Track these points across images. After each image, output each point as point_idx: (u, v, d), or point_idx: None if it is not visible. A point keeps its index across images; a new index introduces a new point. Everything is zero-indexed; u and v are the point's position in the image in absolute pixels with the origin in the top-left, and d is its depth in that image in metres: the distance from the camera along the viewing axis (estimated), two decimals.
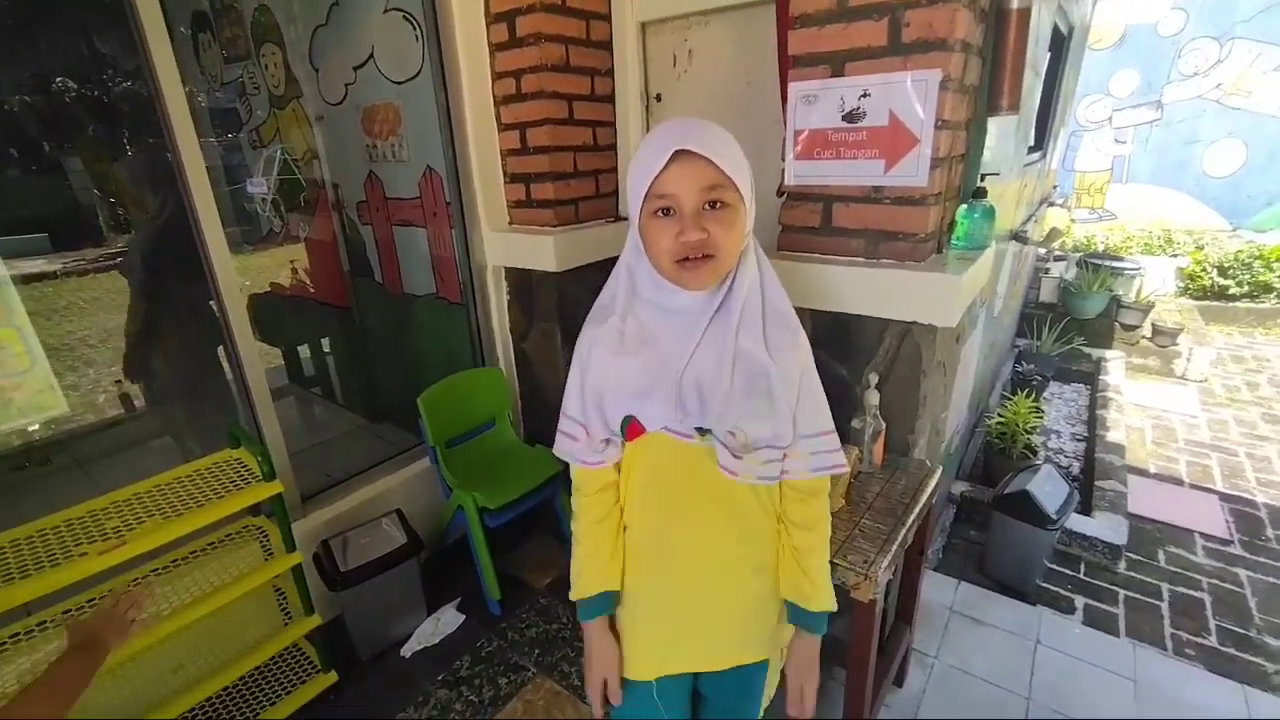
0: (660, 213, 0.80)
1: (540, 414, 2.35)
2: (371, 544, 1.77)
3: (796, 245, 1.57)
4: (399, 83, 2.19)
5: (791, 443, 0.88)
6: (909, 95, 1.30)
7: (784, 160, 1.53)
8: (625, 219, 1.76)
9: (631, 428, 0.88)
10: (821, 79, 1.41)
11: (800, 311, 1.56)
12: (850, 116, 1.39)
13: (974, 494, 2.51)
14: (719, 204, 0.79)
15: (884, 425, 1.41)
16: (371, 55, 2.25)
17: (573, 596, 0.98)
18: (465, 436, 2.11)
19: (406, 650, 1.87)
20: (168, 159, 1.46)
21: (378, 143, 2.38)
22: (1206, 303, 4.91)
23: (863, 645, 1.21)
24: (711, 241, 0.79)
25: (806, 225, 1.54)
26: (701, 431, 0.85)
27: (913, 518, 1.28)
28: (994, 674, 1.75)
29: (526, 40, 1.88)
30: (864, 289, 1.44)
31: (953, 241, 1.55)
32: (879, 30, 1.31)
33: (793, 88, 1.45)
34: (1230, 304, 4.88)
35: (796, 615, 0.96)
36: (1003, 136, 1.96)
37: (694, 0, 1.90)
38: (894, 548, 1.19)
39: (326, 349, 3.26)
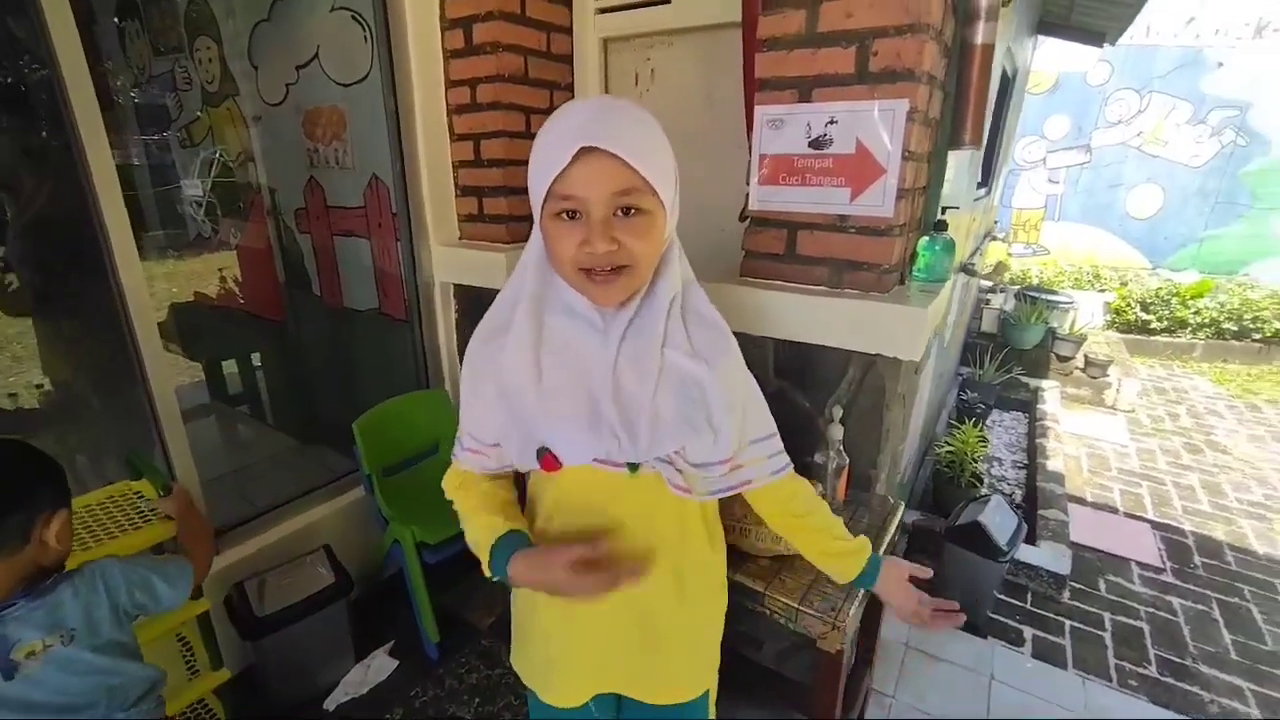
0: (564, 215, 0.69)
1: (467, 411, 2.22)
2: (293, 585, 1.60)
3: (759, 272, 1.53)
4: (345, 85, 2.06)
5: (740, 449, 0.82)
6: (876, 124, 1.29)
7: (748, 184, 1.49)
8: None
9: (548, 459, 0.76)
10: (789, 104, 1.38)
11: (762, 341, 1.53)
12: (817, 143, 1.36)
13: (925, 523, 2.52)
14: (633, 210, 0.69)
15: (848, 460, 1.36)
16: (316, 55, 2.12)
17: (486, 563, 0.83)
18: (405, 464, 1.96)
19: (330, 702, 1.69)
20: (44, 140, 1.31)
21: (320, 147, 2.24)
22: (1131, 336, 5.21)
23: (828, 696, 1.14)
24: (624, 253, 0.69)
25: (770, 252, 1.50)
26: (632, 466, 0.77)
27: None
28: (951, 712, 1.72)
29: (483, 48, 1.80)
30: (828, 319, 1.40)
31: (914, 273, 1.54)
32: (847, 57, 1.29)
33: (759, 111, 1.42)
34: (1151, 338, 5.19)
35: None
36: (958, 170, 1.99)
37: (658, 19, 1.86)
38: (861, 593, 1.13)
39: (257, 364, 3.04)
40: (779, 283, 1.49)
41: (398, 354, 2.27)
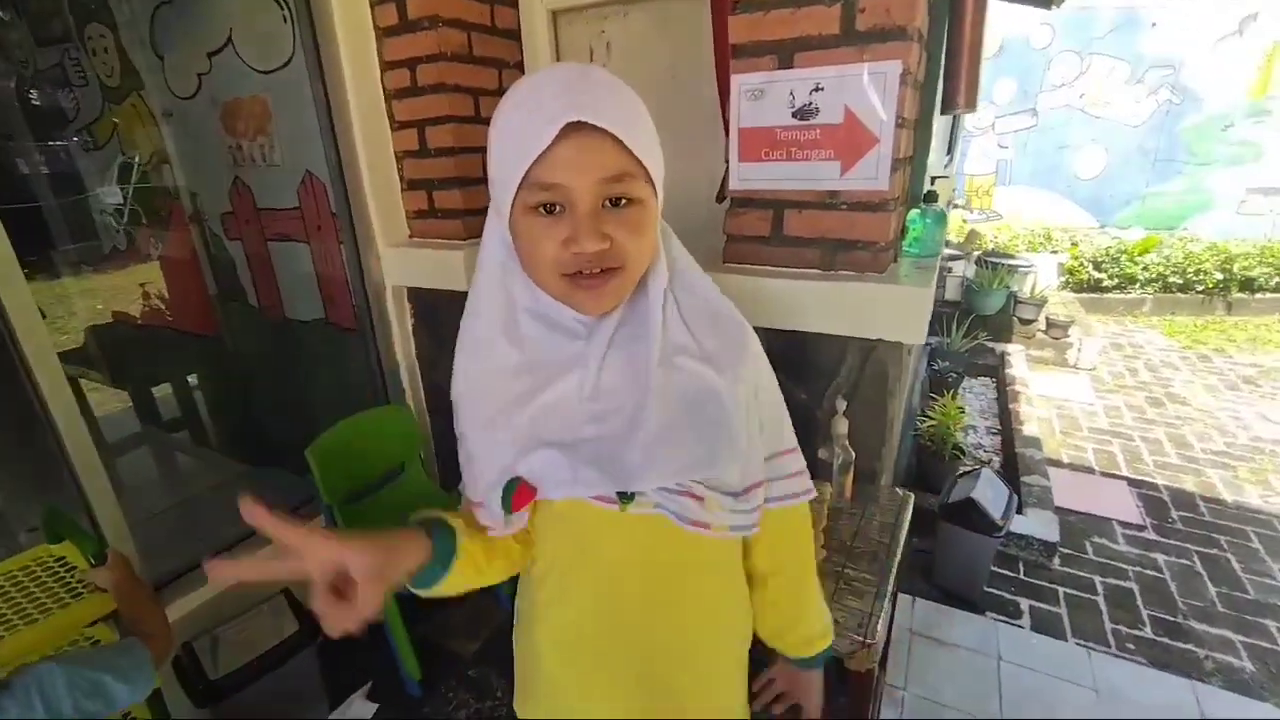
0: (542, 208, 0.57)
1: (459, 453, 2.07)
2: (250, 639, 1.43)
3: (744, 256, 1.41)
4: (266, 72, 1.84)
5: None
6: (866, 89, 1.18)
7: (726, 161, 1.37)
8: None
9: (519, 494, 0.62)
10: (768, 71, 1.26)
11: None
12: (801, 113, 1.25)
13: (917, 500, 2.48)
14: (626, 200, 0.57)
15: (854, 455, 1.27)
16: (230, 40, 1.88)
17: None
18: (370, 489, 1.79)
19: None
20: None
21: (243, 143, 2.01)
22: (1085, 295, 5.33)
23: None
24: (616, 251, 0.57)
25: (755, 235, 1.38)
26: (624, 497, 0.64)
27: (898, 560, 1.15)
28: (964, 700, 1.67)
29: (420, 24, 1.61)
30: (823, 304, 1.30)
31: (905, 249, 1.45)
32: (831, 16, 1.17)
33: (735, 81, 1.29)
34: (1104, 295, 5.32)
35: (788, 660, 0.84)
36: (936, 137, 1.91)
37: None
38: (886, 601, 1.04)
39: (194, 384, 2.78)
40: (767, 267, 1.38)
41: (351, 366, 2.08)
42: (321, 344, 2.16)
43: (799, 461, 0.75)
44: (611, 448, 0.61)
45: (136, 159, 2.44)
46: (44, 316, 2.44)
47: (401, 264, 1.89)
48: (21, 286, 1.20)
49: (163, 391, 2.76)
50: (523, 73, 1.90)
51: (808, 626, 0.82)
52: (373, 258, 1.89)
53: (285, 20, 1.71)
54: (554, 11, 1.86)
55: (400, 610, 1.65)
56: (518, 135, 0.55)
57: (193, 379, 2.75)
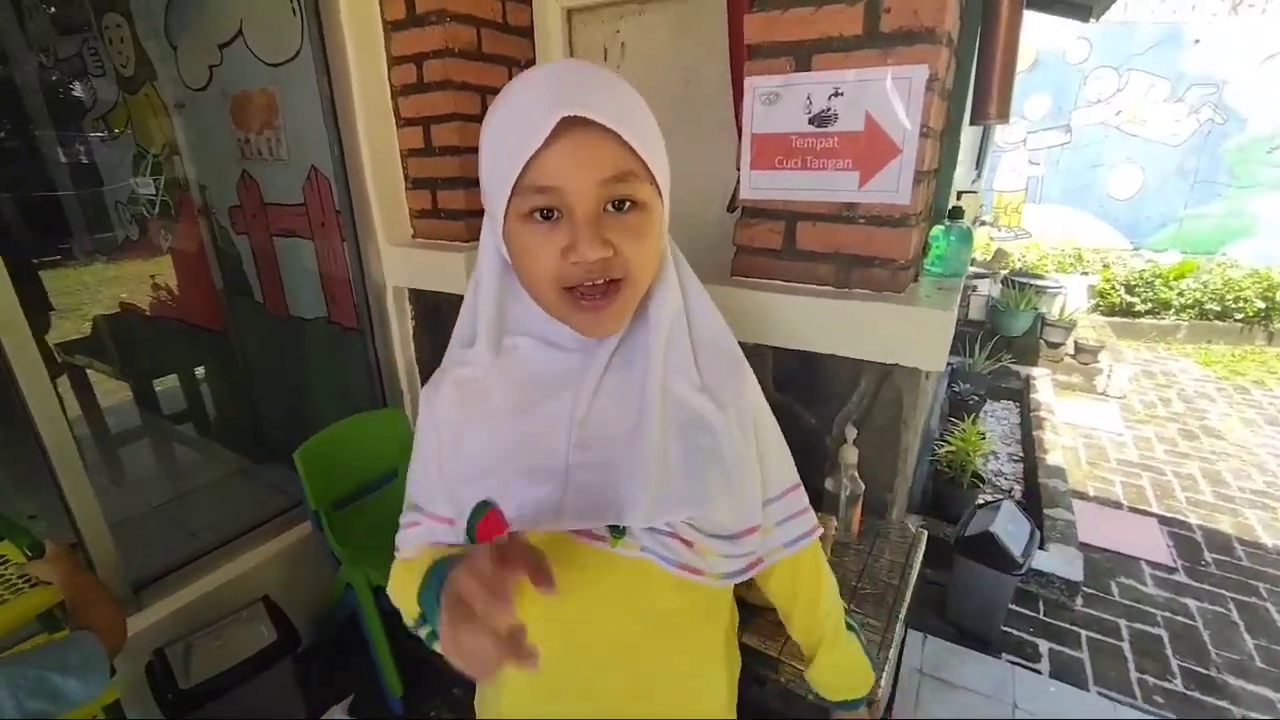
0: (538, 215, 0.52)
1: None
2: (225, 648, 1.38)
3: (754, 270, 1.33)
4: (274, 65, 1.81)
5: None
6: (889, 95, 1.09)
7: (738, 168, 1.29)
8: None
9: (487, 521, 0.55)
10: (784, 74, 1.18)
11: (759, 349, 1.34)
12: (819, 119, 1.17)
13: (928, 529, 2.36)
14: (629, 204, 0.52)
15: (864, 487, 1.18)
16: (240, 32, 1.85)
17: (408, 617, 0.60)
18: (359, 494, 1.73)
19: None
20: None
21: (251, 137, 1.98)
22: (1116, 319, 5.14)
23: None
24: (620, 260, 0.52)
25: (766, 247, 1.30)
26: (615, 532, 0.58)
27: (906, 604, 1.06)
28: None
29: (428, 18, 1.56)
30: (835, 324, 1.21)
31: (927, 267, 1.36)
32: (854, 16, 1.09)
33: (749, 83, 1.22)
34: (1136, 320, 5.13)
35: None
36: (964, 150, 1.81)
37: None
38: (892, 651, 0.95)
39: (200, 378, 2.76)
40: (777, 282, 1.30)
41: (351, 366, 2.04)
42: (323, 342, 2.13)
43: (804, 498, 0.71)
44: (601, 477, 0.56)
45: (152, 150, 2.43)
46: (53, 308, 2.44)
47: (403, 264, 1.84)
48: (2, 280, 1.16)
49: (171, 384, 2.75)
50: None
51: (834, 668, 0.80)
52: (374, 257, 1.84)
53: (294, 12, 1.68)
54: (569, 10, 1.80)
55: (384, 623, 1.59)
56: (508, 136, 0.51)
57: (200, 372, 2.74)
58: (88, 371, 2.55)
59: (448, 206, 1.76)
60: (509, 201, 0.52)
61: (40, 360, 1.23)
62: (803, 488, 0.71)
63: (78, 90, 2.51)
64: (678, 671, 0.68)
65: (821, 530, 0.72)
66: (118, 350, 2.53)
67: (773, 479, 0.67)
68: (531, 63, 1.82)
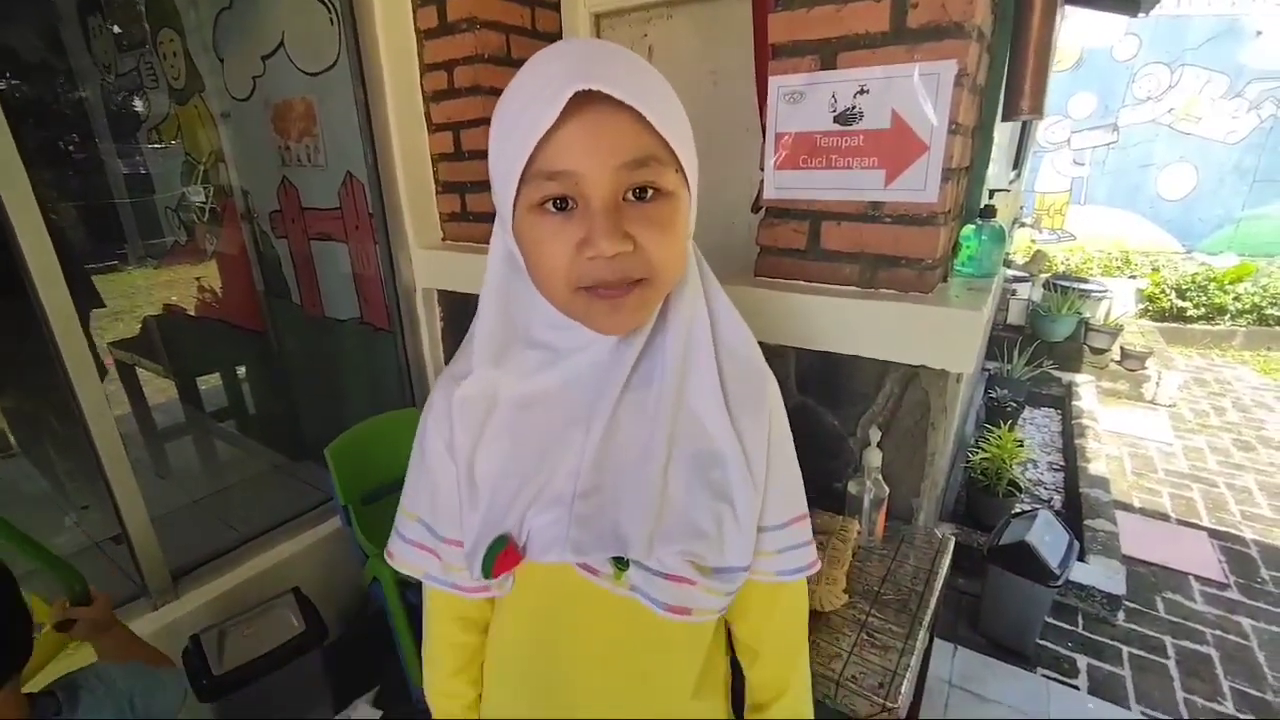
0: (550, 205, 0.47)
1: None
2: (257, 636, 1.42)
3: (778, 270, 1.32)
4: (313, 74, 1.87)
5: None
6: (916, 92, 1.07)
7: (762, 169, 1.29)
8: None
9: (505, 556, 0.53)
10: (808, 72, 1.17)
11: (782, 350, 1.33)
12: (843, 118, 1.15)
13: (961, 537, 2.30)
14: (652, 191, 0.47)
15: (888, 490, 1.16)
16: (282, 43, 1.93)
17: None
18: (386, 490, 1.77)
19: None
20: None
21: (291, 144, 2.05)
22: (1166, 324, 4.93)
23: None
24: (641, 258, 0.47)
25: (790, 247, 1.29)
26: (619, 564, 0.54)
27: (931, 611, 1.03)
28: None
29: (459, 26, 1.60)
30: (860, 325, 1.19)
31: (958, 267, 1.33)
32: (880, 12, 1.07)
33: (773, 82, 1.21)
34: (1188, 326, 4.91)
35: None
36: (999, 148, 1.77)
37: None
38: (914, 658, 0.93)
39: (240, 378, 2.87)
40: (801, 283, 1.28)
41: (382, 366, 2.09)
42: (356, 343, 2.19)
43: (808, 530, 0.63)
44: (605, 507, 0.53)
45: (200, 159, 2.54)
46: (102, 306, 2.54)
47: (433, 266, 1.88)
48: (60, 288, 1.23)
49: (214, 382, 2.87)
50: None
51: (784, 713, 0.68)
52: (405, 259, 1.89)
53: (332, 23, 1.73)
54: (597, 14, 1.82)
55: (408, 617, 1.62)
56: (518, 118, 0.46)
57: (240, 372, 2.85)
58: (136, 370, 2.68)
59: (476, 210, 1.79)
60: (518, 191, 0.47)
61: (91, 360, 1.30)
62: (809, 520, 0.64)
63: (135, 104, 2.64)
64: (674, 701, 0.64)
65: (820, 567, 0.66)
66: (165, 349, 2.65)
67: (778, 505, 0.60)
68: None
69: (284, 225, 2.25)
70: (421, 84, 1.75)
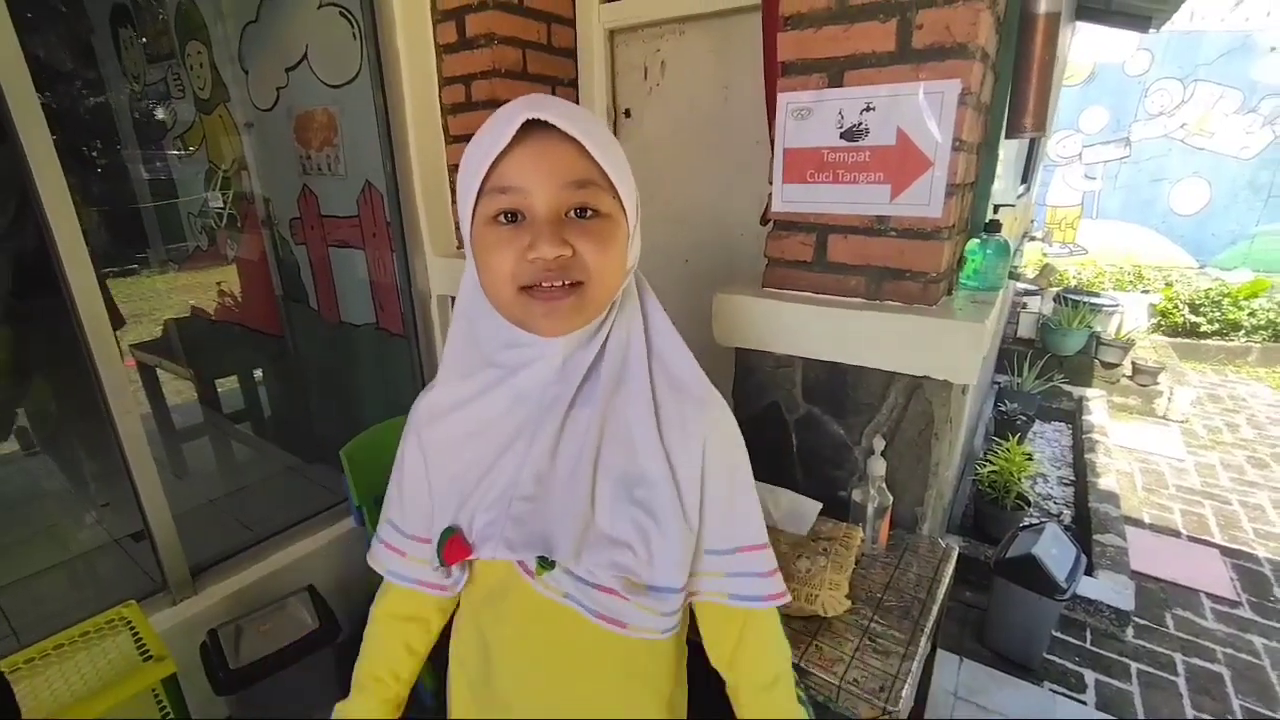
0: (501, 218, 0.54)
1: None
2: (272, 632, 1.46)
3: (785, 282, 1.35)
4: (335, 87, 1.93)
5: (694, 566, 0.62)
6: (921, 110, 1.10)
7: (770, 183, 1.32)
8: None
9: (453, 545, 0.60)
10: (816, 89, 1.20)
11: (789, 360, 1.35)
12: (850, 134, 1.18)
13: (969, 550, 2.30)
14: (591, 211, 0.55)
15: (891, 499, 1.18)
16: (305, 56, 1.99)
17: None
18: None
19: None
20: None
21: (312, 153, 2.11)
22: (1179, 340, 4.89)
23: None
24: (579, 263, 0.54)
25: (797, 259, 1.32)
26: (543, 563, 0.59)
27: (933, 618, 1.05)
28: None
29: (477, 41, 1.65)
30: (866, 336, 1.22)
31: (963, 281, 1.35)
32: (886, 33, 1.11)
33: (782, 99, 1.24)
34: (1201, 341, 4.87)
35: None
36: (1004, 164, 1.79)
37: (668, 6, 1.70)
38: (915, 664, 0.95)
39: (258, 380, 2.93)
40: (808, 294, 1.31)
41: (397, 371, 2.13)
42: (371, 348, 2.23)
43: (770, 562, 0.65)
44: (536, 513, 0.58)
45: (223, 166, 2.61)
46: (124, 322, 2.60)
47: (447, 274, 1.92)
48: (93, 288, 1.28)
49: (232, 385, 2.92)
50: (576, 90, 1.91)
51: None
52: (421, 267, 1.93)
53: (354, 37, 1.79)
54: (611, 30, 1.86)
55: None
56: (478, 146, 0.55)
57: (257, 375, 2.90)
58: (157, 371, 2.74)
59: None
60: (475, 206, 0.55)
61: (120, 361, 1.35)
62: (769, 552, 0.65)
63: (160, 113, 2.72)
64: (605, 708, 0.66)
65: (789, 599, 0.67)
66: (185, 352, 2.71)
67: (720, 530, 0.62)
68: (574, 81, 1.89)
69: (303, 232, 2.31)
70: (440, 97, 1.81)
